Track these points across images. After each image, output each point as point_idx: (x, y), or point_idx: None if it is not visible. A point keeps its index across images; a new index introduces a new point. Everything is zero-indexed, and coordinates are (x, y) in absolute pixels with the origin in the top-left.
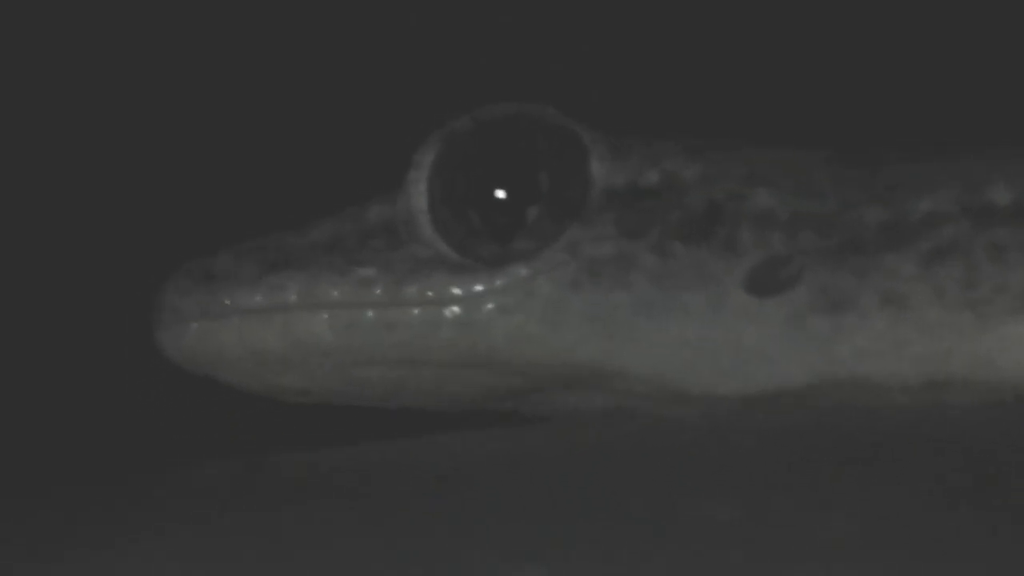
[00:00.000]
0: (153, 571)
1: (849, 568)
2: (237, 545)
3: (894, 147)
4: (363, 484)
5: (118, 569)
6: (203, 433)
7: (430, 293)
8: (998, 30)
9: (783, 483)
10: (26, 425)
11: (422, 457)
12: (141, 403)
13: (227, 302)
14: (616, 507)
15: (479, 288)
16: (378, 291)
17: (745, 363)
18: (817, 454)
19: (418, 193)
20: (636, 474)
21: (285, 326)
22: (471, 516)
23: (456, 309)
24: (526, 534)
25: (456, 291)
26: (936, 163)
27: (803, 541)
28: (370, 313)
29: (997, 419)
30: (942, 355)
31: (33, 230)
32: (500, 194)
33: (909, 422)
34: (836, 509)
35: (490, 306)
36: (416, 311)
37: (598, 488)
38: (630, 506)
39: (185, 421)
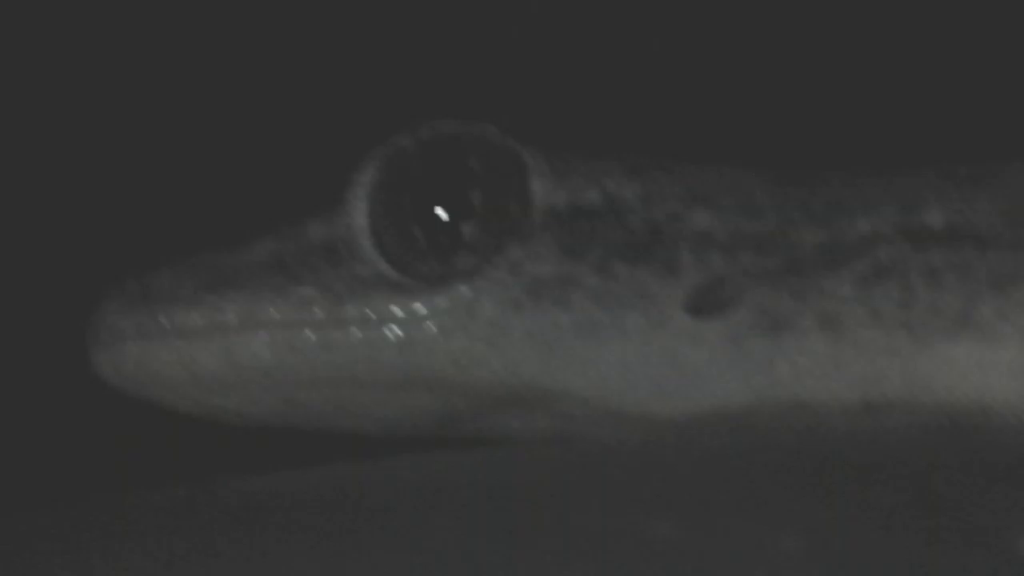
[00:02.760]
0: None
1: None
2: (184, 574)
3: (833, 167)
4: (310, 510)
5: None
6: (145, 458)
7: (370, 313)
8: (940, 47)
9: (726, 502)
10: None
11: (368, 483)
12: (82, 427)
13: (164, 322)
14: (561, 528)
15: (420, 308)
16: (317, 311)
17: (685, 383)
18: (759, 474)
19: (358, 211)
20: (580, 495)
21: (224, 346)
22: (417, 540)
23: (396, 329)
24: (473, 558)
25: (396, 311)
26: (873, 184)
27: (747, 559)
28: (309, 333)
29: (933, 440)
30: (878, 376)
31: None
32: (441, 213)
33: (848, 442)
34: (779, 528)
35: (431, 326)
36: (356, 331)
37: (542, 510)
38: (575, 527)
39: (128, 445)
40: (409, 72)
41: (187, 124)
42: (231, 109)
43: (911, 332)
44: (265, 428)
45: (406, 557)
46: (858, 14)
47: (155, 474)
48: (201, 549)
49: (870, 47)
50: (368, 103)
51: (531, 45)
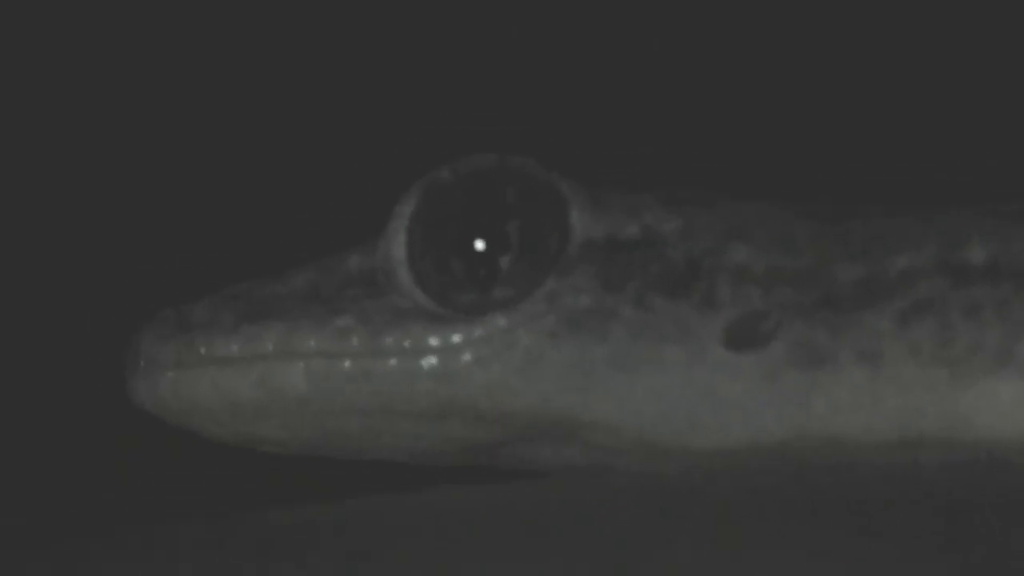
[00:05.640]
0: None
1: None
2: None
3: (871, 203)
4: (347, 540)
5: None
6: (182, 485)
7: (407, 343)
8: (984, 85)
9: (761, 538)
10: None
11: (402, 513)
12: (119, 455)
13: (203, 351)
14: (596, 563)
15: (457, 338)
16: (355, 341)
17: (721, 417)
18: (794, 509)
19: (397, 243)
20: (615, 530)
21: (261, 375)
22: (452, 572)
23: (433, 359)
24: None
25: (434, 341)
26: (913, 220)
27: None
28: (347, 363)
29: (971, 477)
30: (916, 412)
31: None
32: (479, 245)
33: (884, 478)
34: (814, 564)
35: (468, 357)
36: (393, 361)
37: (577, 544)
38: (609, 562)
39: (165, 473)
40: (449, 106)
41: (230, 156)
42: (274, 143)
43: (950, 368)
44: (300, 456)
45: None
46: (901, 51)
47: (190, 502)
48: None
49: (913, 84)
50: (408, 136)
51: (571, 80)
